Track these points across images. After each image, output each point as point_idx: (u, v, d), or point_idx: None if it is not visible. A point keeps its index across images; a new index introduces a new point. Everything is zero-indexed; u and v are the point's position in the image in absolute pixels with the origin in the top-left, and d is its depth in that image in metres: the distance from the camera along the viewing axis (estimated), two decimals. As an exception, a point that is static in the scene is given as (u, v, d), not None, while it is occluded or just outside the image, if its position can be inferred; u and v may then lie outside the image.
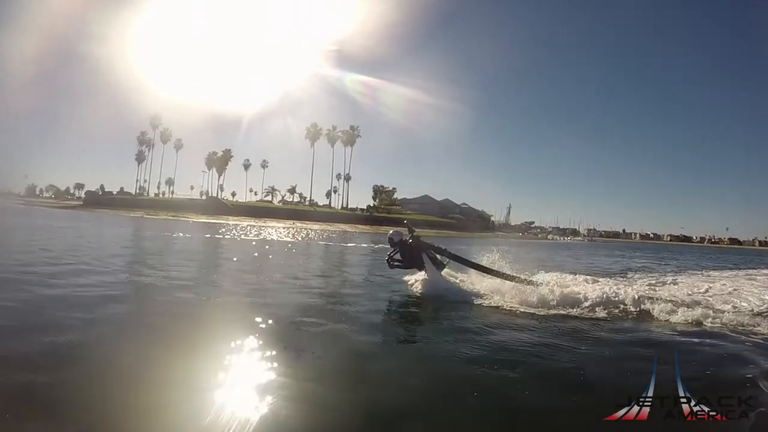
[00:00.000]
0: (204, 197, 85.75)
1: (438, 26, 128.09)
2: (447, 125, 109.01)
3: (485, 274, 7.88)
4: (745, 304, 7.56)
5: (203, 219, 52.87)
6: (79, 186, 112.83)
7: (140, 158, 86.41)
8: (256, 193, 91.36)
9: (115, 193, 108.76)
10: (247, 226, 46.55)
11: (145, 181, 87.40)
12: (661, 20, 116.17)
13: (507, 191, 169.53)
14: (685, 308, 6.65)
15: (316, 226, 54.19)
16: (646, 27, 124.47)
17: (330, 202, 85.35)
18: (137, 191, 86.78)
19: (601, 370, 4.11)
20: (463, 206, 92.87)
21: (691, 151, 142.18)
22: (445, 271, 8.11)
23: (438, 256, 8.08)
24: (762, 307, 7.27)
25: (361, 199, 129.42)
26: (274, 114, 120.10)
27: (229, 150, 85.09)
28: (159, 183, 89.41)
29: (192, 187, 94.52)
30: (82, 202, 79.70)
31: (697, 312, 6.47)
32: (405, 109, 78.83)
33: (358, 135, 79.37)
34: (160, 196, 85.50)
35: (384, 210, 75.41)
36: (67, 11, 52.24)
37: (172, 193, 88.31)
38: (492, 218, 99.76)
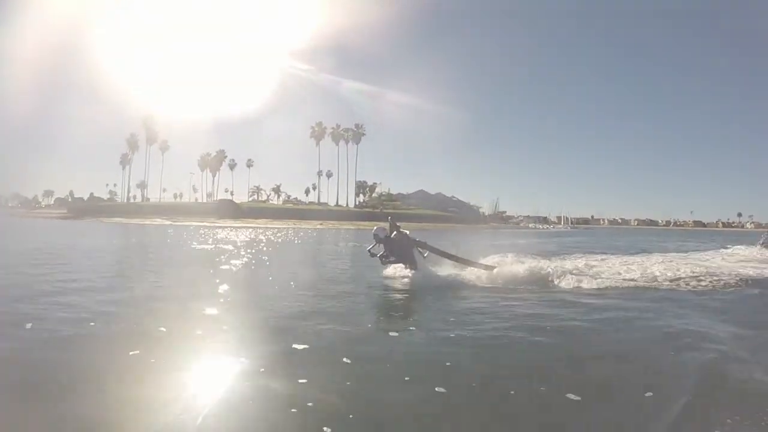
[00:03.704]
0: (185, 198, 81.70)
1: (422, 29, 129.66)
2: (431, 120, 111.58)
3: (460, 263, 9.20)
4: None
5: (230, 223, 51.24)
6: (48, 193, 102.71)
7: (124, 162, 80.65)
8: (232, 193, 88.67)
9: (86, 199, 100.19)
10: (296, 228, 46.12)
11: (139, 185, 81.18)
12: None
13: (488, 183, 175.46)
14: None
15: (348, 227, 54.58)
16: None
17: (337, 201, 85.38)
18: (122, 196, 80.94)
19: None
20: (453, 199, 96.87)
21: (656, 137, 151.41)
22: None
23: (420, 249, 9.34)
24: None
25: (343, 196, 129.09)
26: (259, 114, 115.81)
27: (223, 150, 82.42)
28: (130, 187, 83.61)
29: (164, 190, 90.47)
30: (66, 211, 72.85)
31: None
32: (391, 106, 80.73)
33: (362, 133, 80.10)
34: (147, 200, 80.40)
35: (390, 206, 77.19)
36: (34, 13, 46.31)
37: (147, 198, 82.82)
38: (481, 210, 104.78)
